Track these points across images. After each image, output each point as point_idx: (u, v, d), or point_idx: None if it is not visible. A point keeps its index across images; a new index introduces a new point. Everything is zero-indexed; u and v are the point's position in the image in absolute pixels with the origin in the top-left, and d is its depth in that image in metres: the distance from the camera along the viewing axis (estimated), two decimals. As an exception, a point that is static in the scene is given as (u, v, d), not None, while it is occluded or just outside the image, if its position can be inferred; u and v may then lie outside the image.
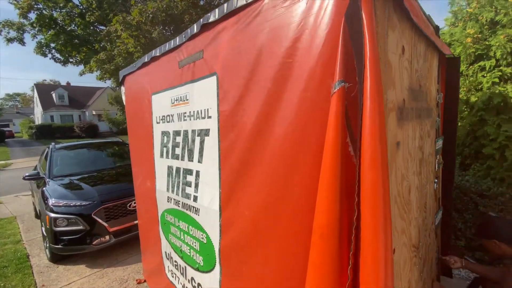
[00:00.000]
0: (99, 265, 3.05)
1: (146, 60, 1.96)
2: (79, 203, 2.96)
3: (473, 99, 2.46)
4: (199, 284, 1.57)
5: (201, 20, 1.39)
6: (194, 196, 1.55)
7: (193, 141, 1.54)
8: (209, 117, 1.39)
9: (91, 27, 9.69)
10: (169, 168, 1.81)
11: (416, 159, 1.29)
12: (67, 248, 2.88)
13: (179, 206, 1.72)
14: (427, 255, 1.60)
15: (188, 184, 1.61)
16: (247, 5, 1.13)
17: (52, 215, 2.86)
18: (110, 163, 4.26)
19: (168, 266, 2.00)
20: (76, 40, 9.37)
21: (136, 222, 3.15)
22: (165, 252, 2.00)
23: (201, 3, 8.57)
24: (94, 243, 2.91)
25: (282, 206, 1.02)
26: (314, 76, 0.88)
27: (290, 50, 0.94)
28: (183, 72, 1.58)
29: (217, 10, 1.27)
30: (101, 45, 9.49)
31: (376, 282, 0.67)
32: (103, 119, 25.10)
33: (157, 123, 1.92)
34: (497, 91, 2.27)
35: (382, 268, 0.67)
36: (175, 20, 7.72)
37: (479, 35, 2.30)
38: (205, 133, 1.43)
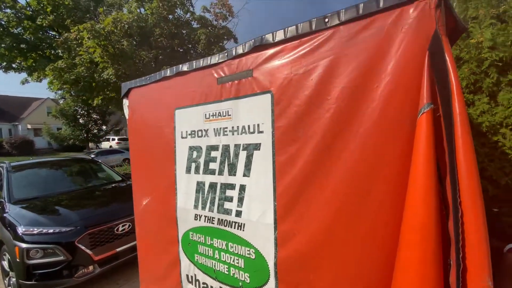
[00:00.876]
0: None
1: (168, 74, 1.92)
2: (58, 230, 2.57)
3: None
4: (243, 304, 1.52)
5: (252, 41, 1.46)
6: (237, 211, 1.54)
7: (237, 155, 1.55)
8: (260, 131, 1.44)
9: (41, 32, 8.69)
10: (199, 184, 1.75)
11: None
12: (42, 284, 2.44)
13: (213, 223, 1.67)
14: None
15: (228, 199, 1.59)
16: (311, 32, 1.25)
17: (24, 245, 2.41)
18: (82, 183, 3.80)
19: (190, 291, 1.87)
20: (24, 45, 8.23)
21: (124, 247, 2.87)
22: (187, 276, 1.88)
23: (170, 17, 8.51)
24: (76, 275, 2.53)
25: (359, 217, 1.12)
26: (397, 93, 1.02)
27: (369, 72, 1.08)
28: (223, 88, 1.61)
29: (274, 33, 1.37)
30: (55, 52, 8.55)
31: (486, 273, 0.80)
32: (41, 134, 22.00)
33: (183, 137, 1.86)
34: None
35: (488, 259, 0.81)
36: (146, 33, 7.49)
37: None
38: (254, 147, 1.47)
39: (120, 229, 2.90)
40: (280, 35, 1.35)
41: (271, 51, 1.40)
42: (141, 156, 2.25)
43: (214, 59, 1.64)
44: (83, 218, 2.75)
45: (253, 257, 1.46)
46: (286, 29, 1.33)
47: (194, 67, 1.76)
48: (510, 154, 2.58)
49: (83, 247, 2.58)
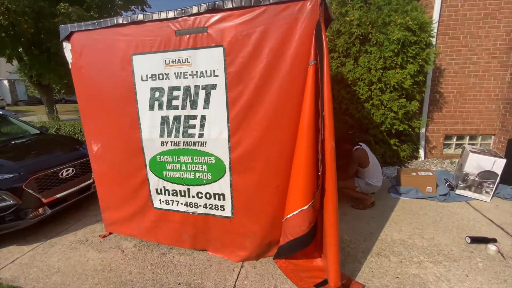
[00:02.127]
0: (42, 237, 2.82)
1: (122, 21, 2.16)
2: (3, 177, 2.54)
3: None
4: (207, 193, 2.27)
5: (206, 5, 1.95)
6: (200, 133, 2.17)
7: (197, 93, 2.12)
8: (216, 75, 2.04)
9: None
10: (164, 118, 2.25)
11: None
12: (-5, 228, 2.48)
13: (179, 146, 2.25)
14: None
15: (192, 126, 2.19)
16: (251, 6, 1.87)
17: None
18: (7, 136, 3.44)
19: (160, 199, 2.46)
20: None
21: (71, 190, 3.07)
22: (156, 189, 2.44)
23: None
24: (29, 216, 2.65)
25: (278, 128, 1.96)
26: (299, 54, 1.83)
27: (286, 39, 1.83)
28: (181, 39, 2.06)
29: (224, 2, 1.90)
30: None
31: (331, 183, 1.78)
32: None
33: (143, 80, 2.23)
34: (339, 71, 4.06)
35: (335, 177, 1.79)
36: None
37: (332, 37, 3.96)
38: (211, 87, 2.07)
39: (65, 174, 3.02)
40: (228, 4, 1.90)
41: (221, 14, 1.93)
42: (92, 100, 2.45)
43: (171, 13, 2.03)
44: (25, 165, 2.77)
45: (214, 162, 2.19)
46: (233, 0, 1.89)
47: (151, 18, 2.08)
48: (362, 99, 4.02)
49: (31, 191, 2.66)
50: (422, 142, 4.70)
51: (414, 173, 3.48)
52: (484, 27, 4.13)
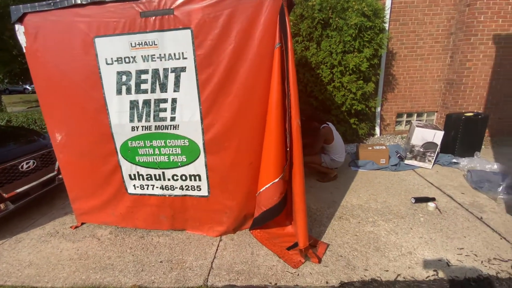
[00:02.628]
0: (7, 233, 2.67)
1: (80, 1, 2.05)
2: None
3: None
4: (183, 175, 2.35)
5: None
6: (172, 117, 2.21)
7: (166, 76, 2.14)
8: (185, 58, 2.07)
9: None
10: (133, 102, 2.23)
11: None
12: None
13: (151, 130, 2.27)
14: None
15: (163, 110, 2.21)
16: (217, -11, 1.92)
17: None
18: None
19: (134, 185, 2.48)
20: None
21: (34, 183, 2.92)
22: (129, 175, 2.45)
23: None
24: (-11, 212, 2.49)
25: (248, 108, 2.09)
26: (265, 37, 1.94)
27: (252, 22, 1.93)
28: (147, 21, 2.04)
29: (189, -17, 1.92)
30: None
31: (298, 157, 1.96)
32: None
33: (108, 64, 2.17)
34: (303, 55, 4.25)
35: (301, 152, 1.97)
36: None
37: (296, 21, 4.10)
38: (180, 70, 2.10)
39: (25, 166, 2.84)
40: (194, -14, 1.92)
41: (187, -3, 1.95)
42: (52, 86, 2.32)
43: (133, -6, 1.99)
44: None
45: (187, 144, 2.26)
46: (199, -18, 1.91)
47: (113, -1, 2.02)
48: (325, 81, 4.28)
49: (-12, 186, 2.48)
50: (378, 120, 5.18)
51: (370, 148, 3.89)
52: (429, 14, 4.59)
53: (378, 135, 5.24)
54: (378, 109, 5.08)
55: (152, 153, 2.35)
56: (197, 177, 2.34)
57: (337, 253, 2.12)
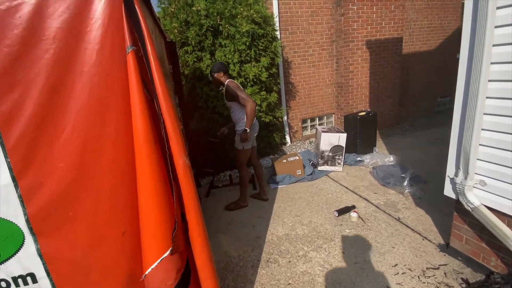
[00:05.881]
0: None
1: None
2: None
3: (186, 71, 3.74)
4: (2, 280, 1.31)
5: None
6: None
7: None
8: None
9: None
10: None
11: (177, 109, 2.05)
12: None
13: None
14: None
15: None
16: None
17: None
18: None
19: None
20: None
21: None
22: None
23: None
24: None
25: (101, 148, 1.31)
26: (107, 37, 1.23)
27: (81, 19, 1.18)
28: None
29: None
30: None
31: (193, 212, 1.33)
32: None
33: None
34: (197, 66, 3.67)
35: (196, 204, 1.34)
36: None
37: (181, 28, 3.48)
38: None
39: None
40: None
41: None
42: None
43: None
44: None
45: (-6, 228, 1.27)
46: None
47: None
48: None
49: None
50: (287, 129, 5.13)
51: (285, 160, 3.64)
52: (313, 23, 4.84)
53: (289, 143, 5.19)
54: (285, 118, 5.02)
55: None
56: (28, 278, 1.36)
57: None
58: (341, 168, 3.73)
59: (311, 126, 5.54)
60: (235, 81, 2.75)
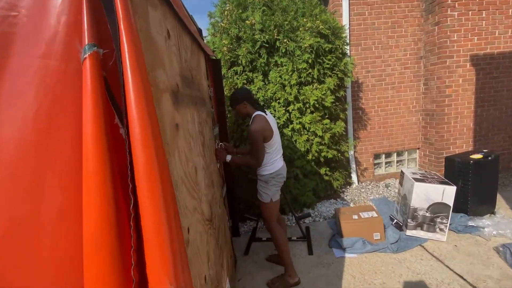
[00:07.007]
0: None
1: None
2: None
3: (234, 96, 3.19)
4: None
5: None
6: None
7: None
8: None
9: None
10: None
11: (198, 142, 1.38)
12: None
13: None
14: (220, 223, 1.83)
15: None
16: None
17: None
18: None
19: None
20: None
21: None
22: None
23: None
24: None
25: (41, 192, 0.66)
26: (51, 34, 0.61)
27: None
28: None
29: None
30: None
31: (167, 275, 0.58)
32: None
33: None
34: (246, 90, 3.08)
35: (171, 259, 0.60)
36: None
37: (231, 46, 2.97)
38: None
39: None
40: None
41: None
42: None
43: None
44: None
45: None
46: None
47: None
48: (280, 123, 3.08)
49: None
50: (353, 166, 4.07)
51: (356, 216, 2.62)
52: (393, 36, 3.86)
53: (356, 183, 4.09)
54: (352, 152, 4.00)
55: None
56: None
57: None
58: (444, 236, 2.51)
59: (386, 163, 4.35)
60: (265, 115, 1.95)
